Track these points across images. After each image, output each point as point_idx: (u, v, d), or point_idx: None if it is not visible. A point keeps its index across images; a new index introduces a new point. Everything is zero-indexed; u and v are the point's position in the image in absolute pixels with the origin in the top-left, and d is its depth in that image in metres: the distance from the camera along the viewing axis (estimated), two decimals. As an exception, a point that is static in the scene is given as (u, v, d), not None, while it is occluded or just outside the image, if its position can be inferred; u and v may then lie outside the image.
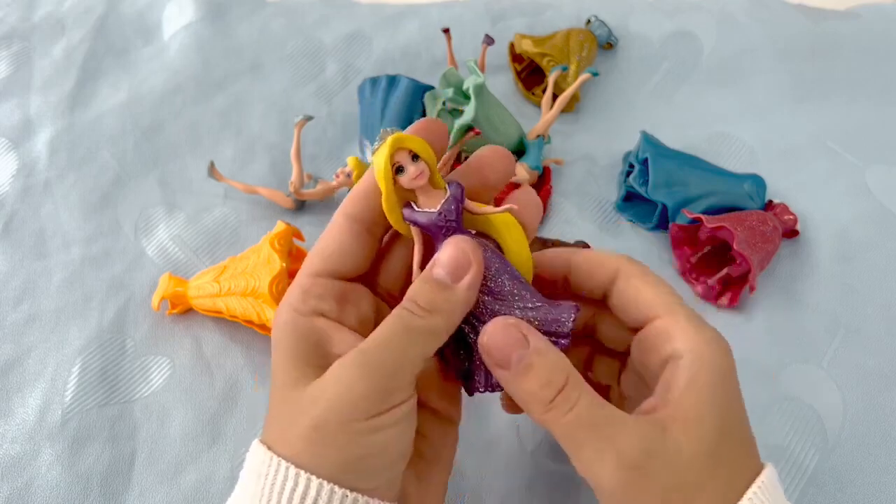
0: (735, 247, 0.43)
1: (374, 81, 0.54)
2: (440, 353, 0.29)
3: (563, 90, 0.53)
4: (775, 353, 0.43)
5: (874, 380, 0.43)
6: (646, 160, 0.49)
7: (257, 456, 0.26)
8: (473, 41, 0.57)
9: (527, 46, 0.56)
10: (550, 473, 0.39)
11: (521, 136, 0.50)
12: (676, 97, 0.57)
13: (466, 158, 0.50)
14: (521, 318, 0.28)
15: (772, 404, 0.41)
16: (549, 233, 0.49)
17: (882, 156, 0.53)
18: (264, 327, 0.43)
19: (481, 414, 0.41)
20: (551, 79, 0.53)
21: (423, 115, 0.51)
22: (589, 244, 0.45)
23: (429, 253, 0.28)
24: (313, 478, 0.24)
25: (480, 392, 0.29)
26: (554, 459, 0.39)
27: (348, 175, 0.47)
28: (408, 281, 0.29)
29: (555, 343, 0.27)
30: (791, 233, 0.48)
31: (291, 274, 0.44)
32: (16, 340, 0.44)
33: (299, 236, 0.45)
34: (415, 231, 0.28)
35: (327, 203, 0.50)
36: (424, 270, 0.27)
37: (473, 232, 0.29)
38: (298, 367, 0.26)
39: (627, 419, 0.26)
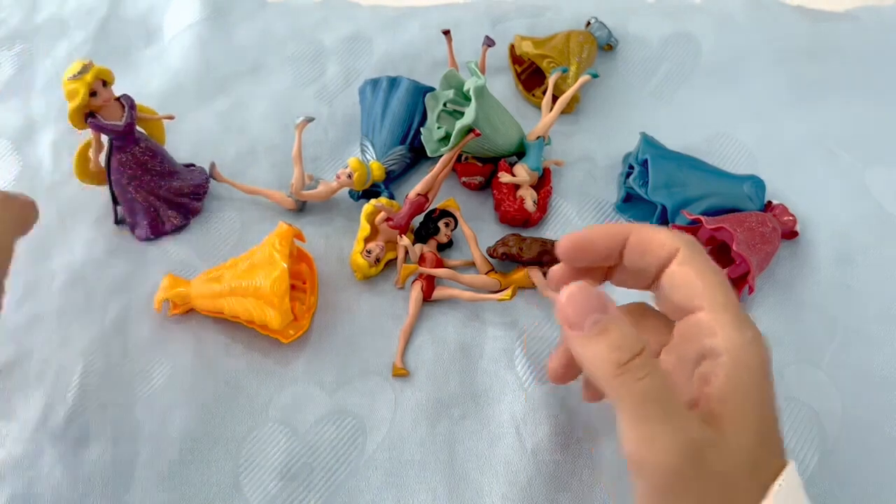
0: (734, 248, 0.43)
1: (374, 83, 0.54)
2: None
3: (563, 92, 0.53)
4: (774, 354, 0.43)
5: (873, 381, 0.43)
6: (645, 161, 0.49)
7: None
8: (474, 43, 0.57)
9: (527, 48, 0.56)
10: (551, 472, 0.39)
11: (522, 137, 0.51)
12: (676, 98, 0.58)
13: (467, 159, 0.51)
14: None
15: (771, 405, 0.41)
16: (550, 234, 0.49)
17: (881, 157, 0.53)
18: (265, 328, 0.43)
19: (482, 414, 0.41)
20: (551, 80, 0.53)
21: (424, 116, 0.52)
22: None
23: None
24: None
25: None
26: (554, 458, 0.39)
27: (349, 176, 0.47)
28: None
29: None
30: (790, 234, 0.48)
31: (293, 274, 0.45)
32: (18, 341, 0.44)
33: (300, 237, 0.45)
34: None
35: (328, 204, 0.50)
36: None
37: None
38: None
39: (684, 409, 0.26)
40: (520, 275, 0.46)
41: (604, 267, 0.34)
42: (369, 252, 0.46)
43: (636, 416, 0.26)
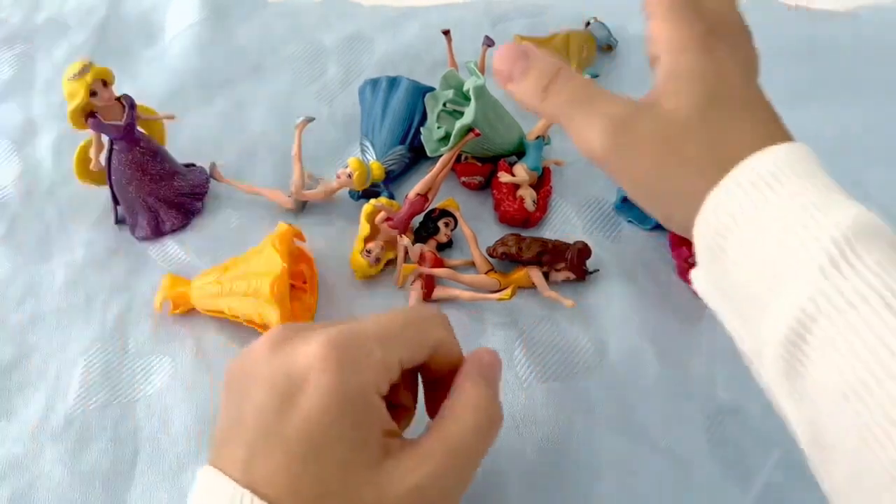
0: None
1: (374, 83, 0.54)
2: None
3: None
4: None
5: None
6: (645, 161, 0.49)
7: None
8: (474, 43, 0.57)
9: None
10: (551, 474, 0.39)
11: (521, 137, 0.51)
12: (676, 98, 0.58)
13: (466, 159, 0.51)
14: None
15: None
16: (549, 234, 0.49)
17: (881, 157, 0.53)
18: (265, 327, 0.43)
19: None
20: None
21: (424, 116, 0.52)
22: (588, 245, 0.46)
23: None
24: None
25: None
26: (555, 460, 0.39)
27: (349, 176, 0.47)
28: None
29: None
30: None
31: (293, 275, 0.45)
32: (19, 341, 0.44)
33: (300, 237, 0.45)
34: None
35: (328, 204, 0.50)
36: None
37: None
38: (371, 445, 0.27)
39: (618, 96, 0.31)
40: (519, 274, 0.46)
41: None
42: (369, 252, 0.46)
43: (566, 118, 0.31)
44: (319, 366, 0.27)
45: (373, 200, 0.47)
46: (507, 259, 0.46)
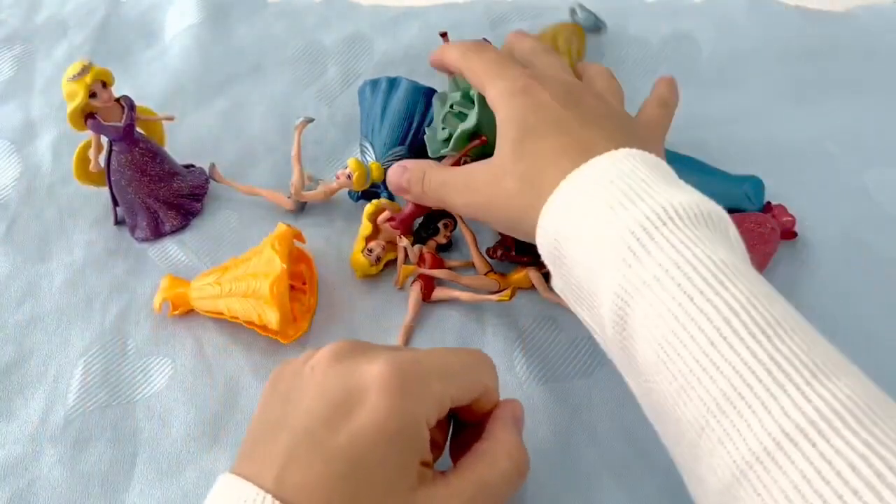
0: (733, 248, 0.43)
1: (374, 83, 0.54)
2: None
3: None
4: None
5: (875, 381, 0.43)
6: (645, 162, 0.49)
7: None
8: (473, 43, 0.57)
9: None
10: (550, 475, 0.39)
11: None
12: (676, 99, 0.57)
13: (465, 162, 0.51)
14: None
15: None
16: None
17: (881, 158, 0.53)
18: (265, 328, 0.43)
19: (481, 415, 0.41)
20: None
21: (424, 116, 0.51)
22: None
23: None
24: None
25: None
26: (554, 460, 0.39)
27: (349, 177, 0.47)
28: None
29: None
30: (789, 234, 0.48)
31: (292, 275, 0.45)
32: (18, 342, 0.44)
33: (300, 238, 0.45)
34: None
35: (328, 205, 0.50)
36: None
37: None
38: (411, 472, 0.28)
39: (469, 166, 0.41)
40: (519, 275, 0.46)
41: None
42: (370, 251, 0.46)
43: (442, 202, 0.42)
44: (382, 386, 0.28)
45: (374, 200, 0.47)
46: (506, 260, 0.46)
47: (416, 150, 0.52)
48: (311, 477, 0.26)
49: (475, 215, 0.40)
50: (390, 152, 0.50)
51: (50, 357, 0.43)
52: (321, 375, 0.29)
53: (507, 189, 0.36)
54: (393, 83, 0.53)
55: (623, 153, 0.33)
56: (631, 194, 0.30)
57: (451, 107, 0.49)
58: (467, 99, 0.49)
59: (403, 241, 0.46)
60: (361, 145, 0.52)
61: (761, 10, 0.62)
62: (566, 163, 0.33)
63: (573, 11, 0.59)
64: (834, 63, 0.59)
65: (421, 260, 0.46)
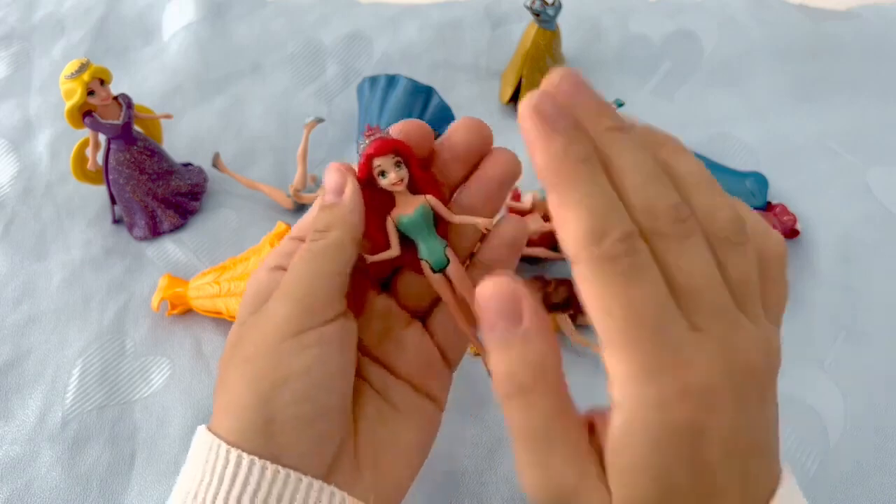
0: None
1: (373, 80, 0.54)
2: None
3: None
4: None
5: (876, 382, 0.42)
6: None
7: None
8: (474, 43, 0.57)
9: (506, 91, 0.56)
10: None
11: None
12: (677, 97, 0.57)
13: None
14: None
15: (772, 405, 0.41)
16: (564, 264, 0.48)
17: (883, 156, 0.53)
18: (264, 328, 0.43)
19: (483, 418, 0.41)
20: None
21: (421, 115, 0.51)
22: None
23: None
24: (224, 447, 0.24)
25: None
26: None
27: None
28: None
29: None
30: (791, 233, 0.48)
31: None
32: (16, 342, 0.44)
33: (299, 237, 0.45)
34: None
35: (327, 204, 0.50)
36: (316, 202, 0.29)
37: None
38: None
39: (577, 455, 0.22)
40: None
41: None
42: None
43: (517, 441, 0.23)
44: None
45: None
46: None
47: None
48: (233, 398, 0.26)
49: None
50: (390, 151, 0.50)
51: (48, 357, 0.43)
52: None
53: None
54: (392, 81, 0.53)
55: None
56: None
57: None
58: None
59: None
60: (358, 143, 0.52)
61: (764, 8, 0.62)
62: None
63: (531, 9, 0.54)
64: (836, 61, 0.59)
65: None
